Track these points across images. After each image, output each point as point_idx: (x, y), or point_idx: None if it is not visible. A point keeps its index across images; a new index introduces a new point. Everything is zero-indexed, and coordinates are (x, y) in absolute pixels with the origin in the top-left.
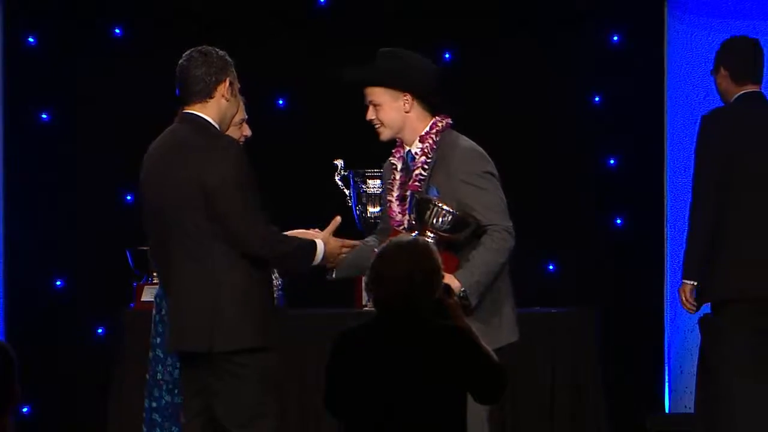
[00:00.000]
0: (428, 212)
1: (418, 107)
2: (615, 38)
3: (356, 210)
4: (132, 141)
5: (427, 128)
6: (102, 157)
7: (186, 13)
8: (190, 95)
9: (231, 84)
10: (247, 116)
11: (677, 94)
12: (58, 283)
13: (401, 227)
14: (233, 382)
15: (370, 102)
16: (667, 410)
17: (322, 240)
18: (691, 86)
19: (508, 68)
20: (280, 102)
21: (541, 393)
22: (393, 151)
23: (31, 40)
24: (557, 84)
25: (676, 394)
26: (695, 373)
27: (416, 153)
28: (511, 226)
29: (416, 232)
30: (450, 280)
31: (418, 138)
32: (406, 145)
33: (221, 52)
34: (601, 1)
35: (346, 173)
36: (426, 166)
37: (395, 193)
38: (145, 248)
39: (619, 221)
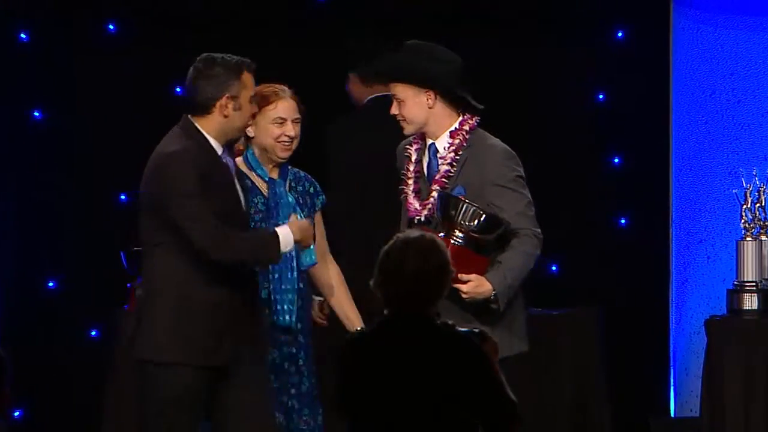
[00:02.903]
0: (458, 211)
1: (442, 102)
2: (619, 34)
3: None
4: (126, 139)
5: (456, 125)
6: (96, 155)
7: (182, 8)
8: (189, 108)
9: (234, 98)
10: (298, 116)
11: (683, 91)
12: (51, 284)
13: (417, 218)
14: (142, 391)
15: (394, 96)
16: (672, 414)
17: (285, 225)
18: (697, 83)
19: (510, 65)
20: None
21: (543, 395)
22: (411, 139)
23: (23, 36)
24: (560, 81)
25: (682, 398)
26: (701, 375)
27: (445, 148)
28: (540, 233)
29: (443, 231)
30: (481, 282)
31: (448, 133)
32: (430, 138)
33: (231, 60)
34: None
35: None
36: (455, 164)
37: (411, 186)
38: (138, 249)
39: (623, 221)
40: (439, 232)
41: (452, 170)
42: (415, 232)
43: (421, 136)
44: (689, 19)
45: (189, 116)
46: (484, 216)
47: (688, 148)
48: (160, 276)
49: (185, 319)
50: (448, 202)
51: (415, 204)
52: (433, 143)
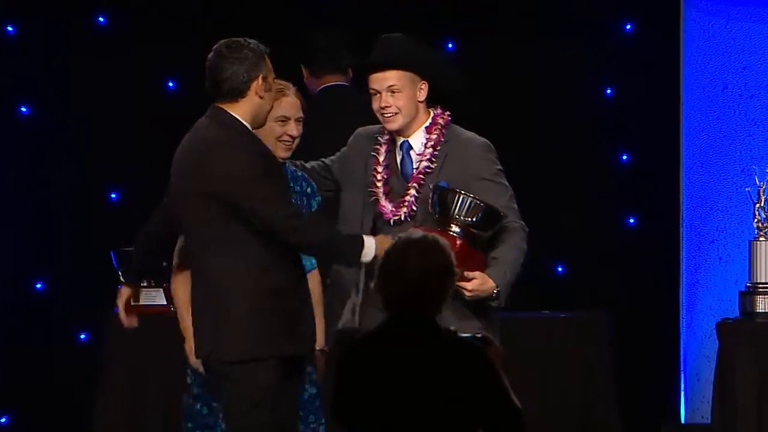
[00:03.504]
0: (454, 203)
1: (425, 96)
2: (628, 27)
3: None
4: (117, 136)
5: (430, 120)
6: (85, 152)
7: (175, 1)
8: (221, 94)
9: (265, 79)
10: (301, 115)
11: (694, 86)
12: (39, 285)
13: (396, 218)
14: (226, 394)
15: (389, 87)
16: (682, 420)
17: (374, 238)
18: (709, 78)
19: (513, 60)
20: None
21: (550, 401)
22: (375, 136)
23: (10, 28)
24: (566, 76)
25: (693, 404)
26: (713, 380)
27: (422, 144)
28: (525, 225)
29: (438, 226)
30: (485, 279)
31: (424, 129)
32: (401, 135)
33: (253, 44)
34: None
35: None
36: (434, 159)
37: (381, 188)
38: (129, 249)
39: (632, 220)
40: (434, 228)
41: (432, 166)
42: (417, 232)
43: (390, 135)
44: (700, 10)
45: (219, 105)
46: (483, 208)
47: (699, 144)
48: (224, 271)
49: (267, 312)
50: (444, 194)
51: (388, 206)
52: (406, 140)
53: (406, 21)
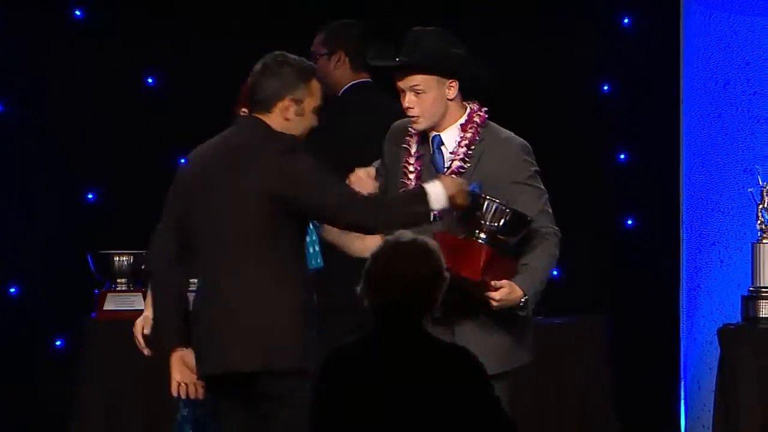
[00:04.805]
0: (480, 210)
1: (459, 94)
2: (625, 20)
3: None
4: (95, 134)
5: (466, 117)
6: (62, 150)
7: None
8: (252, 103)
9: (297, 102)
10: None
11: (694, 82)
12: (12, 290)
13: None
14: (283, 409)
15: (412, 87)
16: (683, 429)
17: (435, 181)
18: (710, 73)
19: (507, 52)
20: None
21: (545, 410)
22: (408, 127)
23: None
24: (561, 71)
25: (693, 412)
26: (714, 389)
27: (455, 141)
28: (559, 231)
29: (464, 233)
30: (513, 288)
31: (458, 126)
32: (435, 130)
33: (303, 63)
34: None
35: None
36: (467, 159)
37: (413, 182)
38: (107, 252)
39: (630, 222)
40: (460, 234)
41: (465, 166)
42: (407, 235)
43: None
44: (701, 3)
45: (254, 114)
46: (510, 214)
47: (699, 143)
48: (278, 281)
49: (301, 322)
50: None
51: None
52: (438, 135)
53: (403, 13)
